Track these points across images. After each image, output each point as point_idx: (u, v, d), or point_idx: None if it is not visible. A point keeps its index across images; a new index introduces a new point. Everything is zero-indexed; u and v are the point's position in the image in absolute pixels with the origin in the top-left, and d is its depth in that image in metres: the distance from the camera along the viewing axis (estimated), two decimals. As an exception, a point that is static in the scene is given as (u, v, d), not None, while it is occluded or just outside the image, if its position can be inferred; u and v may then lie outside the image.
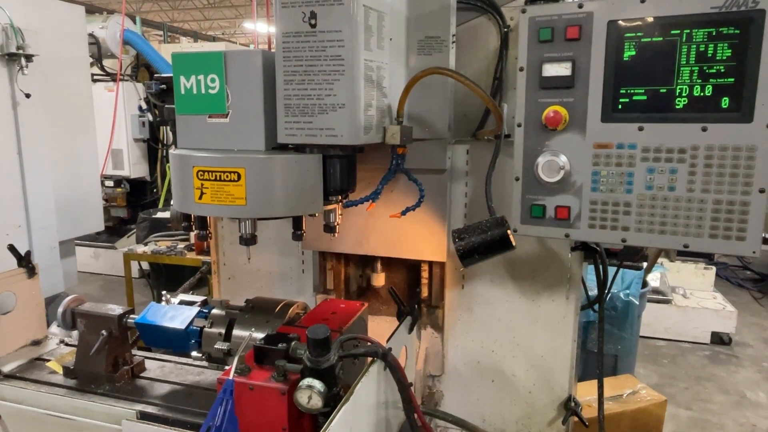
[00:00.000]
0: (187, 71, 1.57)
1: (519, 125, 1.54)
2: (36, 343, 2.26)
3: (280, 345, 1.50)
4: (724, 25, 1.31)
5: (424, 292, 2.21)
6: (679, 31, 1.35)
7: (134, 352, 2.11)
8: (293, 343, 1.50)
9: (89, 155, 4.12)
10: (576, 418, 2.09)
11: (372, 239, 2.14)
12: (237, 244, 2.51)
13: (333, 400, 1.39)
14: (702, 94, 1.35)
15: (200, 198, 1.55)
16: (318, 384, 1.37)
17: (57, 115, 3.77)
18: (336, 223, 1.75)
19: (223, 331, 1.86)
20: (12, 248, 2.24)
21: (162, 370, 2.07)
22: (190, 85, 1.57)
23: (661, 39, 1.37)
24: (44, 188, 3.61)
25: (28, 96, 3.36)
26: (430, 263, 2.17)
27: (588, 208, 1.51)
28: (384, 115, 1.71)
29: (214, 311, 1.93)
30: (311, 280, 2.39)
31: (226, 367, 1.91)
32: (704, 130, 1.36)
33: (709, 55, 1.34)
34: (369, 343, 1.52)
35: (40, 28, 3.52)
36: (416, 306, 2.12)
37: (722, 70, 1.33)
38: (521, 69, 1.51)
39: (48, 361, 2.10)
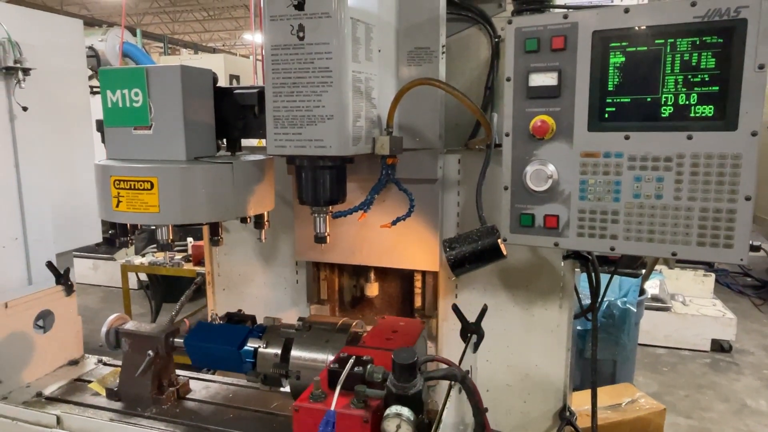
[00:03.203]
0: (113, 86, 1.64)
1: (507, 135, 1.55)
2: (73, 362, 2.21)
3: (356, 369, 1.43)
4: (707, 34, 1.32)
5: (418, 302, 2.21)
6: (663, 41, 1.36)
7: (177, 372, 2.03)
8: (369, 366, 1.43)
9: (87, 167, 4.12)
10: (571, 428, 2.08)
11: (365, 249, 2.14)
12: (231, 254, 2.53)
13: (419, 428, 1.33)
14: (687, 102, 1.36)
15: (117, 206, 1.62)
16: (407, 412, 1.30)
17: (55, 127, 3.78)
18: (326, 234, 1.76)
19: (279, 351, 1.80)
20: (50, 265, 2.22)
21: (207, 391, 2.01)
22: (116, 99, 1.65)
23: (645, 48, 1.38)
24: (41, 201, 3.61)
25: (25, 109, 3.38)
26: (423, 273, 2.17)
27: (576, 217, 1.51)
28: (373, 126, 1.72)
29: (269, 331, 1.86)
30: (305, 290, 2.39)
31: (282, 388, 1.82)
32: (689, 138, 1.36)
33: (694, 64, 1.34)
34: (446, 366, 1.44)
35: (38, 42, 3.55)
36: (480, 323, 1.94)
37: (706, 79, 1.34)
38: (508, 79, 1.52)
39: (89, 382, 2.05)
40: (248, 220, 1.91)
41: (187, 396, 1.98)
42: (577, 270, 2.11)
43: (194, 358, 1.92)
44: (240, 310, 2.13)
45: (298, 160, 1.63)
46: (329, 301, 2.35)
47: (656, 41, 1.37)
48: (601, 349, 4.01)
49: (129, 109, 1.65)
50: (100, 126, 1.77)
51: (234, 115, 1.80)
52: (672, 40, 1.35)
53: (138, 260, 4.90)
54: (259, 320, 2.03)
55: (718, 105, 1.33)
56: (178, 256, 4.74)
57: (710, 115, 1.34)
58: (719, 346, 5.64)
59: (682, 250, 1.41)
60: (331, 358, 1.72)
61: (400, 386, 1.32)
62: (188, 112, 1.63)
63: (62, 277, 2.22)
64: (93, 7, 18.63)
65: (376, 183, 1.76)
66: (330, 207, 1.74)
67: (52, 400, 1.95)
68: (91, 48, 6.95)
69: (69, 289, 2.23)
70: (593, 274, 1.99)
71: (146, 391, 1.89)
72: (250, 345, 1.84)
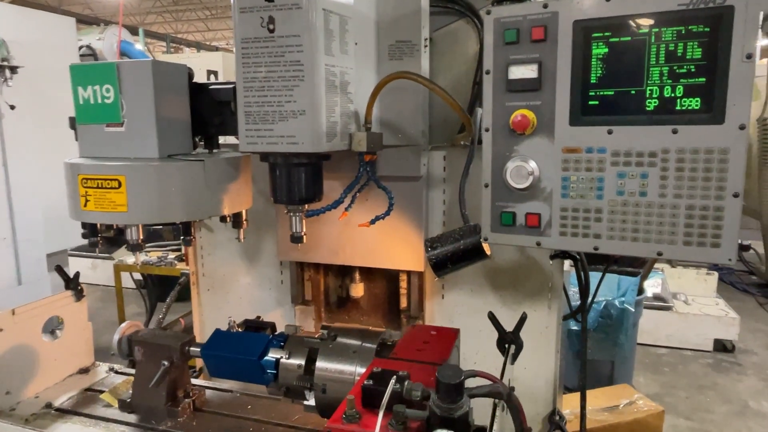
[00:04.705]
0: (84, 82, 1.60)
1: (486, 130, 1.49)
2: (84, 371, 2.14)
3: (394, 386, 1.30)
4: (692, 22, 1.26)
5: (403, 303, 2.15)
6: (647, 30, 1.30)
7: (193, 381, 1.95)
8: (406, 383, 1.29)
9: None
10: (561, 432, 2.02)
11: (348, 249, 2.09)
12: (216, 254, 2.48)
13: None
14: (672, 95, 1.29)
15: (85, 205, 1.58)
16: None
17: (46, 125, 3.76)
18: (303, 233, 1.70)
19: (302, 362, 1.71)
20: (59, 269, 2.16)
21: (223, 401, 1.94)
22: (88, 95, 1.60)
23: (629, 39, 1.32)
24: (31, 200, 3.60)
25: (12, 107, 3.36)
26: (409, 273, 2.12)
27: (559, 215, 1.45)
28: (350, 122, 1.66)
29: (291, 340, 1.78)
30: (290, 291, 2.34)
31: (306, 401, 1.69)
32: (675, 132, 1.30)
33: (679, 54, 1.28)
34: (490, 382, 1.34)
35: (28, 40, 3.53)
36: (518, 333, 1.74)
37: (692, 70, 1.27)
38: (487, 72, 1.46)
39: (100, 392, 1.97)
40: (227, 219, 1.86)
41: (204, 408, 1.90)
42: (570, 268, 2.05)
43: (212, 369, 1.84)
44: (258, 317, 2.03)
45: (271, 157, 1.58)
46: (314, 302, 2.30)
47: (640, 31, 1.30)
48: (598, 349, 3.94)
49: (101, 106, 1.61)
50: (72, 123, 1.73)
51: (210, 111, 1.75)
52: (656, 30, 1.29)
53: (131, 260, 4.87)
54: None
55: (705, 97, 1.26)
56: (172, 255, 4.71)
57: (697, 108, 1.28)
58: (722, 346, 5.54)
59: (668, 249, 1.35)
60: (359, 370, 1.64)
61: (445, 408, 1.20)
62: (161, 109, 1.59)
63: (72, 282, 2.15)
64: (96, 6, 18.66)
65: (352, 181, 1.71)
66: (306, 206, 1.69)
67: (62, 411, 1.87)
68: (88, 47, 6.93)
69: (79, 294, 2.15)
70: (582, 273, 1.92)
71: (161, 403, 1.80)
72: (272, 355, 1.74)
